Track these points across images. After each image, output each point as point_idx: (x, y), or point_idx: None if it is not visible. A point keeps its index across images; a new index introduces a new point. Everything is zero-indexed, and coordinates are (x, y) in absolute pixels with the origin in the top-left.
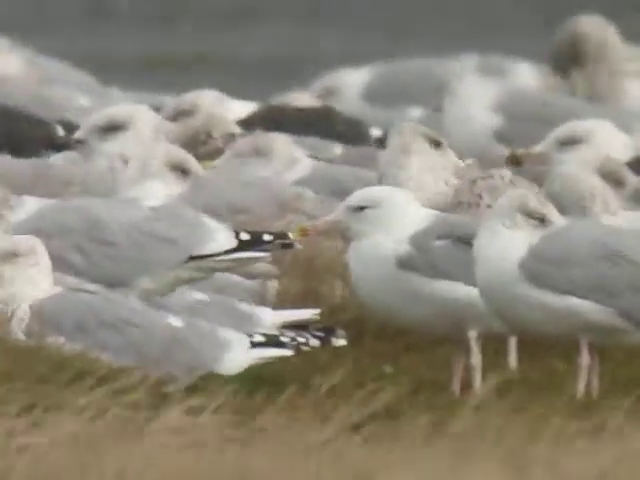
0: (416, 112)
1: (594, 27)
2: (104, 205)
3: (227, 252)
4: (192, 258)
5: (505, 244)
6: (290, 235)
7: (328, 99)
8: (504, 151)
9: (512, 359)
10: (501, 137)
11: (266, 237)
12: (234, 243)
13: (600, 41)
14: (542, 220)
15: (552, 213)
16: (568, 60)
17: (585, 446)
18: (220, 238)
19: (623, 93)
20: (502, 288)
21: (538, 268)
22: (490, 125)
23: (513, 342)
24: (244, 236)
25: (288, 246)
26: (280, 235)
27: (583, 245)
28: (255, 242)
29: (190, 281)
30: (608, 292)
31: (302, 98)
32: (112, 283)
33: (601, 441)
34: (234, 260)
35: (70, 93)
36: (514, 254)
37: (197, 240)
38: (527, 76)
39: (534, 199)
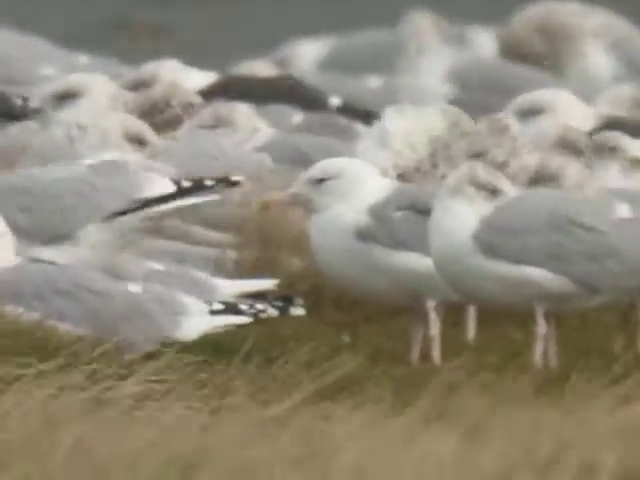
0: (374, 81)
1: (547, 18)
2: (45, 167)
3: (170, 197)
4: (135, 206)
5: (458, 216)
6: (233, 179)
7: (285, 69)
8: None
9: (470, 329)
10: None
11: (208, 182)
12: (173, 188)
13: (558, 29)
14: (493, 191)
15: (503, 184)
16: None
17: (543, 414)
18: (159, 183)
19: (583, 58)
20: (456, 260)
21: (492, 238)
22: (445, 95)
23: (472, 312)
24: (185, 184)
25: (233, 185)
26: (222, 179)
27: (536, 214)
28: (197, 188)
29: (138, 232)
30: (562, 259)
31: (261, 67)
32: (57, 236)
33: (560, 408)
34: (180, 207)
35: (30, 62)
36: (467, 226)
37: (137, 185)
38: (485, 42)
39: (484, 171)
